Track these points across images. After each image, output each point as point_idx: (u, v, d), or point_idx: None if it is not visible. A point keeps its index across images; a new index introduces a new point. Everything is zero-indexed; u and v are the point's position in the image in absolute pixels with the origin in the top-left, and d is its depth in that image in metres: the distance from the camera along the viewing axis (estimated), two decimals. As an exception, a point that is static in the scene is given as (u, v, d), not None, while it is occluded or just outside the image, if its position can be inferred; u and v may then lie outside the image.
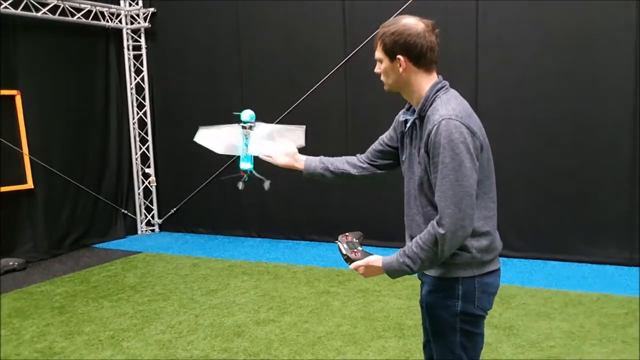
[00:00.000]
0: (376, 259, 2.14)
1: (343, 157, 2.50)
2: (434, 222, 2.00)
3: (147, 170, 8.37)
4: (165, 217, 8.37)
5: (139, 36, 8.18)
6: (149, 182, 8.34)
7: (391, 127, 2.38)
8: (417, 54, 2.07)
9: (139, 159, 8.35)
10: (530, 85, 6.08)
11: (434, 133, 1.98)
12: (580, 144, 5.94)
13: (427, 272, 2.20)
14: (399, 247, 2.12)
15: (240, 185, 2.58)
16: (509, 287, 5.25)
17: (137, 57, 8.24)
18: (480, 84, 6.20)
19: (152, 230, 8.42)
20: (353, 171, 2.45)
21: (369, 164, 2.45)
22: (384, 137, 2.42)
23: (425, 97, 2.09)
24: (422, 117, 2.10)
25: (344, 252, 2.20)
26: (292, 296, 5.30)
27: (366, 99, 6.83)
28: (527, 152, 6.14)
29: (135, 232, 8.34)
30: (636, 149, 5.70)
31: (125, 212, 8.21)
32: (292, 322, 4.67)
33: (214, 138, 2.64)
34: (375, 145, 2.45)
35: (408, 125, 2.20)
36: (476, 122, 2.06)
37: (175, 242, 7.75)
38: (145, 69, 8.23)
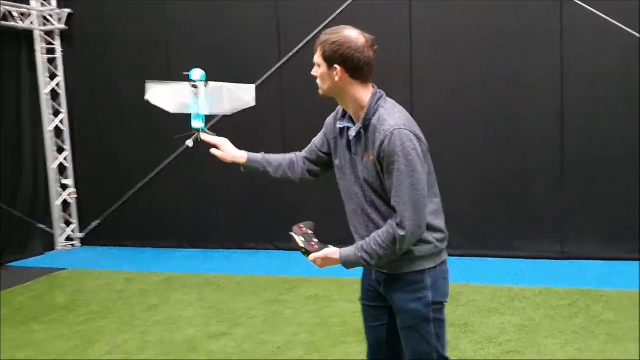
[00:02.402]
0: (333, 251, 2.29)
1: (285, 157, 2.56)
2: (393, 223, 2.15)
3: (64, 182, 7.84)
4: (87, 230, 7.86)
5: (53, 38, 7.66)
6: (69, 194, 7.81)
7: (322, 133, 2.47)
8: (353, 67, 2.18)
9: (56, 170, 7.79)
10: (464, 87, 6.26)
11: (387, 143, 2.12)
12: (512, 143, 6.19)
13: (393, 272, 2.29)
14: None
15: (190, 143, 2.59)
16: (455, 284, 5.21)
17: (52, 61, 7.70)
18: (415, 86, 6.31)
19: (73, 245, 7.88)
20: (294, 177, 2.55)
21: (307, 170, 2.54)
22: (316, 144, 2.49)
23: (369, 106, 2.21)
24: (366, 126, 2.21)
25: (302, 244, 2.27)
26: (241, 307, 5.11)
27: (304, 107, 6.67)
28: (462, 153, 6.30)
29: (53, 248, 7.77)
30: (564, 147, 6.01)
31: (43, 226, 7.63)
32: (247, 334, 4.50)
33: (165, 97, 2.70)
34: (309, 153, 2.52)
35: (351, 133, 2.26)
36: (418, 127, 2.23)
37: (100, 257, 7.29)
38: (61, 73, 7.71)
